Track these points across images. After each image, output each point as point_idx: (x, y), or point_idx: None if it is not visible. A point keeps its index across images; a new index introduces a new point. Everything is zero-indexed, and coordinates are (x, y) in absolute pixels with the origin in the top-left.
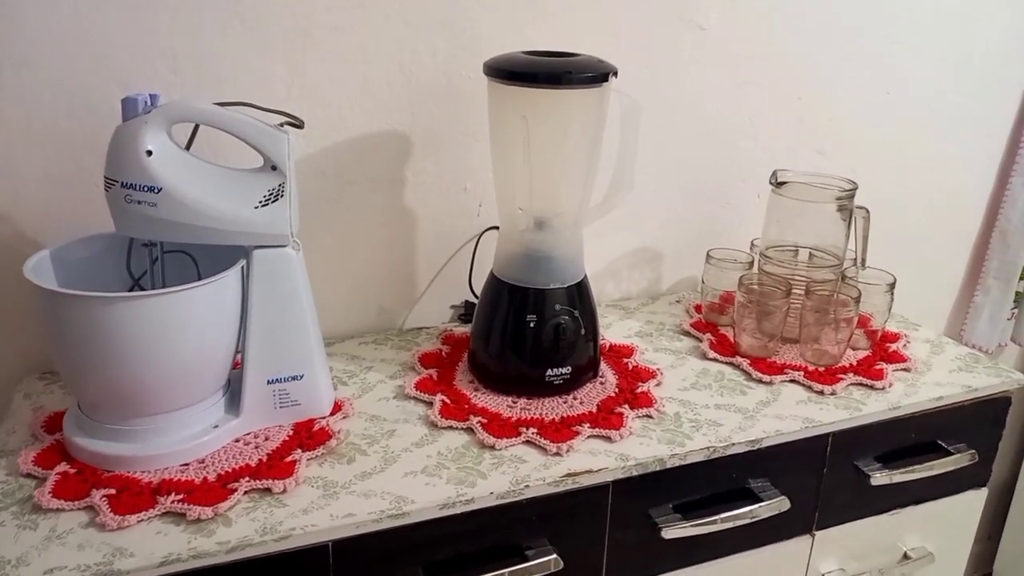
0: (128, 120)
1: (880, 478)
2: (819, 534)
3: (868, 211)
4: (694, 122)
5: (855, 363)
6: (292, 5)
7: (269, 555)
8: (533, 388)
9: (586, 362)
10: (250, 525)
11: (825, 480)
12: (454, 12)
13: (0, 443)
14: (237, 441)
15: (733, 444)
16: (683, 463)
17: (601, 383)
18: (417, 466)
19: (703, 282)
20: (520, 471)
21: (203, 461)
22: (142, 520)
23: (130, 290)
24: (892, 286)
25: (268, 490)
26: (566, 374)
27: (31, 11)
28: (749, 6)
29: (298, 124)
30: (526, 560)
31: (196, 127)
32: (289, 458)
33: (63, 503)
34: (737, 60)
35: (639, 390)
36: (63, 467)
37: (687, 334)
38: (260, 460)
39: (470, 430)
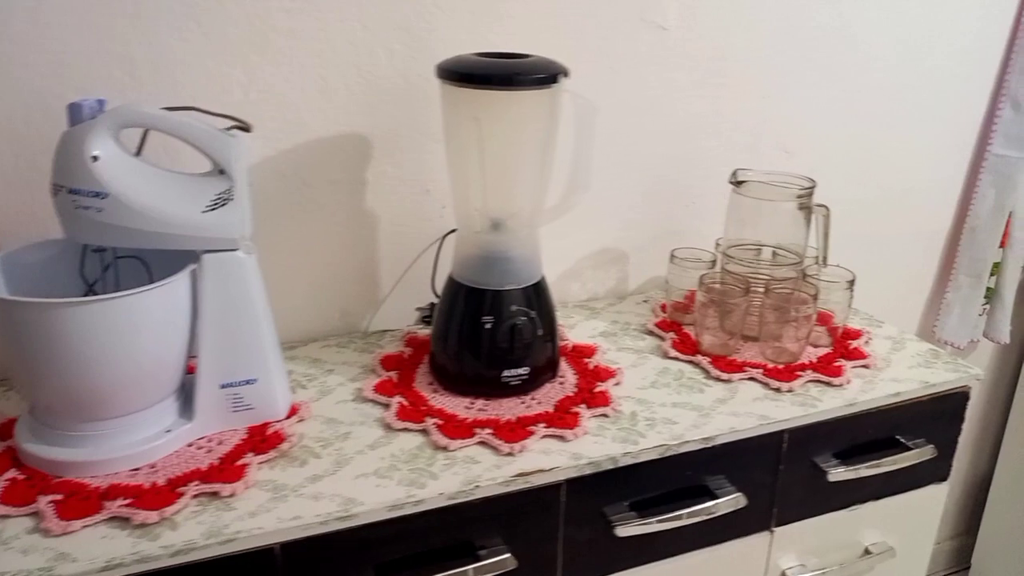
0: (74, 125)
1: (837, 474)
2: (778, 530)
3: (828, 209)
4: (658, 122)
5: (815, 360)
6: (247, 9)
7: (215, 558)
8: (491, 389)
9: (544, 362)
10: (196, 528)
11: (782, 477)
12: (411, 15)
13: None
14: (190, 445)
15: (686, 442)
16: (636, 461)
17: (560, 383)
18: (369, 468)
19: (667, 282)
20: (472, 472)
21: (154, 466)
22: (87, 525)
23: (84, 296)
24: (852, 283)
25: (216, 494)
26: (524, 375)
27: None
28: (710, 6)
29: (246, 128)
30: (479, 560)
31: (146, 132)
32: (240, 462)
33: (9, 509)
34: (699, 60)
35: (597, 389)
36: (12, 473)
37: (651, 333)
38: (211, 464)
39: (425, 432)
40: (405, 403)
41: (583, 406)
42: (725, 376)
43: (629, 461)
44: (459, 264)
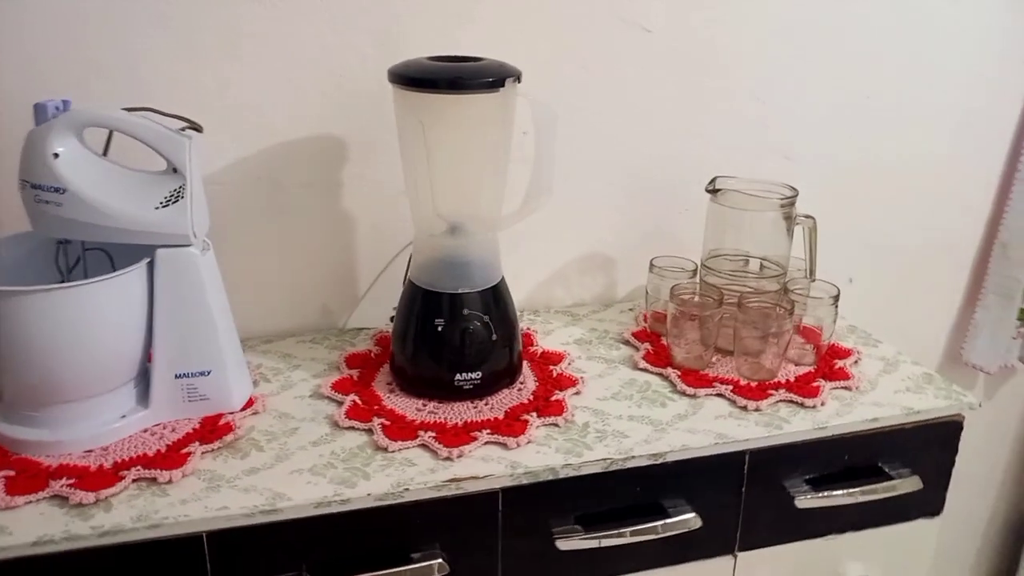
0: (39, 124)
1: (806, 501)
2: (742, 555)
3: (814, 220)
4: (647, 125)
5: (793, 379)
6: (216, 15)
7: (142, 542)
8: (444, 392)
9: (503, 368)
10: (128, 512)
11: (746, 499)
12: (383, 19)
13: None
14: (145, 431)
15: (633, 457)
16: (578, 474)
17: (519, 390)
18: (306, 464)
19: (647, 291)
20: (406, 474)
21: (106, 449)
22: (30, 502)
23: None
24: (836, 298)
25: (155, 480)
26: (476, 379)
27: None
28: (698, 7)
29: (198, 128)
30: (411, 563)
31: (110, 133)
32: (185, 450)
33: None
34: (690, 63)
35: (553, 398)
36: None
37: (627, 343)
38: (158, 451)
39: (371, 431)
40: (358, 402)
41: (534, 414)
42: (691, 391)
43: (571, 473)
44: (416, 266)
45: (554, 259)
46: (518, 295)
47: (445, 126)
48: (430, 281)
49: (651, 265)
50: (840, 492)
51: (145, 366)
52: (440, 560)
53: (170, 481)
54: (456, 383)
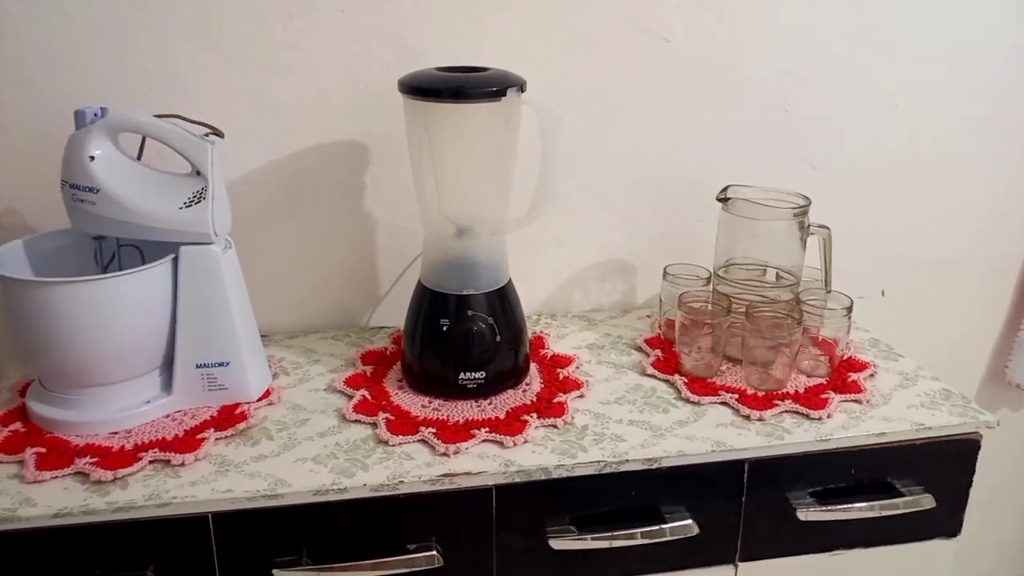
0: (79, 129)
1: (808, 513)
2: (743, 565)
3: (829, 230)
4: (668, 134)
5: (802, 390)
6: (250, 26)
7: (153, 519)
8: (448, 391)
9: (507, 369)
10: (141, 490)
11: (746, 509)
12: (403, 29)
13: None
14: (166, 417)
15: (627, 461)
16: (570, 475)
17: (523, 391)
18: (310, 454)
19: (660, 299)
20: (403, 467)
21: (130, 431)
22: (56, 477)
23: None
24: (849, 309)
25: (169, 462)
26: (480, 379)
27: (29, 38)
28: (717, 14)
29: (219, 134)
30: (406, 554)
31: (144, 138)
32: (200, 435)
33: (2, 456)
34: (711, 71)
35: (556, 400)
36: (16, 426)
37: (639, 349)
38: (176, 435)
39: (375, 425)
40: (367, 397)
41: (534, 415)
42: (696, 398)
43: (563, 474)
44: (424, 268)
45: (573, 265)
46: (536, 299)
47: (450, 133)
48: (437, 282)
49: (665, 273)
50: (842, 506)
51: (169, 356)
52: (435, 552)
53: (183, 464)
54: (460, 382)
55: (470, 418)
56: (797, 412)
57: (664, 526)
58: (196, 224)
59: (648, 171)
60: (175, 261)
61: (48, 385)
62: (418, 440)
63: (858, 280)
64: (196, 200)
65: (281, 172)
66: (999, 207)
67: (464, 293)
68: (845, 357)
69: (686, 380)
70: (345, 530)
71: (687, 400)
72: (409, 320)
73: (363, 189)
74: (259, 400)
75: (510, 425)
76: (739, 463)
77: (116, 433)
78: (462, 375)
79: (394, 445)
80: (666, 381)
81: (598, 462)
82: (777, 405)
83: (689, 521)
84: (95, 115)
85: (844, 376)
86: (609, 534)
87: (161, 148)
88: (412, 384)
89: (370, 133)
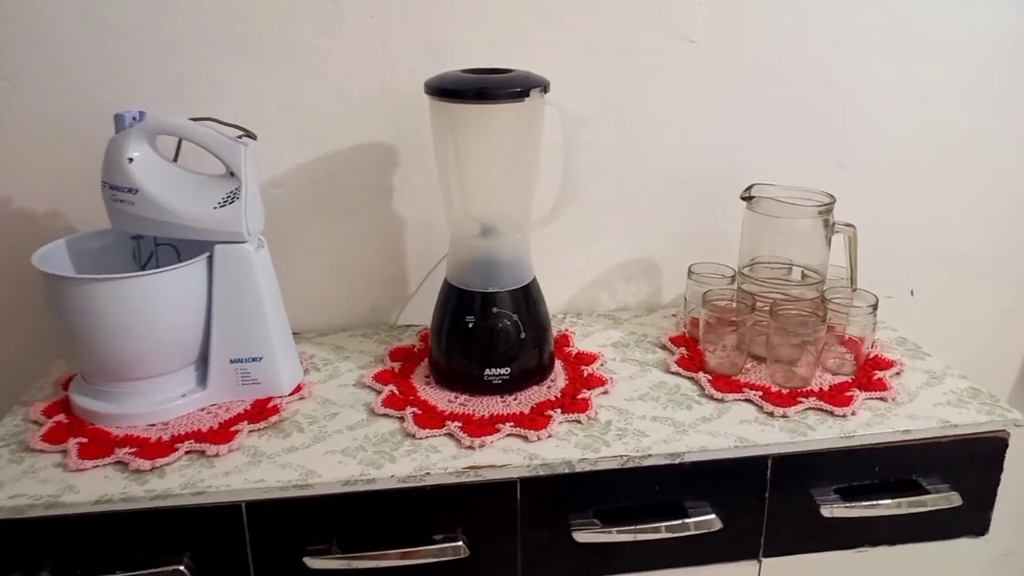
0: (118, 132)
1: (832, 510)
2: (767, 560)
3: (855, 228)
4: (695, 135)
5: (827, 388)
6: (282, 33)
7: (188, 507)
8: (474, 386)
9: (532, 365)
10: (178, 479)
11: (769, 505)
12: (431, 34)
13: (31, 395)
14: (202, 410)
15: (650, 456)
16: (594, 469)
17: (548, 387)
18: (340, 446)
19: (685, 298)
20: (429, 460)
21: (167, 423)
22: (97, 466)
23: None
24: (875, 307)
25: (204, 452)
26: (505, 375)
27: (68, 48)
28: (744, 15)
29: (252, 136)
30: (433, 543)
31: (180, 140)
32: (234, 428)
33: (46, 446)
34: (739, 72)
35: (580, 396)
36: (60, 417)
37: (664, 347)
38: (211, 427)
39: (403, 419)
40: (395, 392)
41: (559, 410)
42: (720, 395)
43: (587, 468)
44: (450, 266)
45: (599, 264)
46: (562, 298)
47: (474, 134)
48: (463, 280)
49: (689, 271)
50: (866, 503)
51: (204, 351)
52: (461, 543)
53: (217, 455)
54: (486, 378)
55: (495, 413)
56: (821, 409)
57: (687, 520)
58: (230, 223)
59: (673, 171)
60: (210, 259)
61: (89, 379)
62: (444, 434)
63: (887, 279)
64: (230, 200)
65: (312, 175)
66: None
67: (489, 291)
68: (871, 355)
69: (710, 378)
70: (373, 520)
71: (711, 397)
72: (436, 317)
73: (392, 191)
74: (291, 394)
75: (534, 420)
76: (762, 459)
77: (154, 425)
78: (487, 371)
79: (421, 438)
80: (690, 379)
81: (621, 456)
82: (801, 402)
83: (712, 516)
84: (134, 119)
85: (870, 374)
86: (633, 527)
87: (196, 150)
88: (439, 380)
89: (399, 136)
